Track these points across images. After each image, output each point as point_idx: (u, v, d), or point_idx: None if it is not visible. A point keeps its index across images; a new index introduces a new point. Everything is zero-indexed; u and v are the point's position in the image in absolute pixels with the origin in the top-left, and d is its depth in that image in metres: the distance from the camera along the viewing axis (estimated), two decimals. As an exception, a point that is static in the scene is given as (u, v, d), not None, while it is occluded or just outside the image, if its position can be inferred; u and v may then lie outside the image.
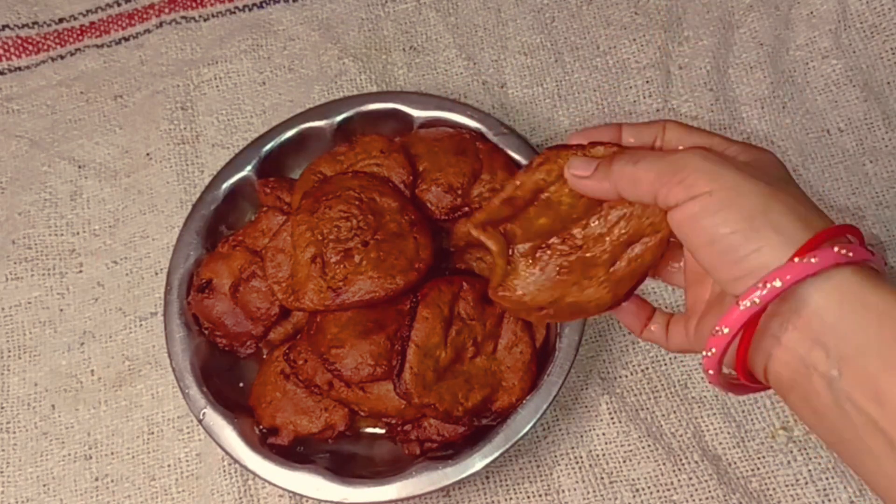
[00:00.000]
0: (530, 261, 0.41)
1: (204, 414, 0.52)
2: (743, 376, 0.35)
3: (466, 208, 0.55)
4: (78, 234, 0.64)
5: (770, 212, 0.32)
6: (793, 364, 0.32)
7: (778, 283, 0.31)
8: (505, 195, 0.41)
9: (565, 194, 0.40)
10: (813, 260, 0.30)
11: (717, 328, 0.33)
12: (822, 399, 0.31)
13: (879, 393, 0.29)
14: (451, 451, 0.51)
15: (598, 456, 0.55)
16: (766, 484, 0.54)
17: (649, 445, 0.55)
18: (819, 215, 0.33)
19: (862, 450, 0.31)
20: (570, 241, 0.40)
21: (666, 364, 0.58)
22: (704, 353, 0.34)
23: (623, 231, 0.39)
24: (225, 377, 0.56)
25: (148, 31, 0.71)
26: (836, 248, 0.31)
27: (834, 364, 0.31)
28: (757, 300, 0.31)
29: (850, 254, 0.31)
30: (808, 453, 0.54)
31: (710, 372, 0.35)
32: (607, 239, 0.39)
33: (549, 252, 0.41)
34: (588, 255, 0.40)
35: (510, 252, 0.42)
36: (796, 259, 0.31)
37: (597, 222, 0.40)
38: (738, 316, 0.32)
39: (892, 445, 0.29)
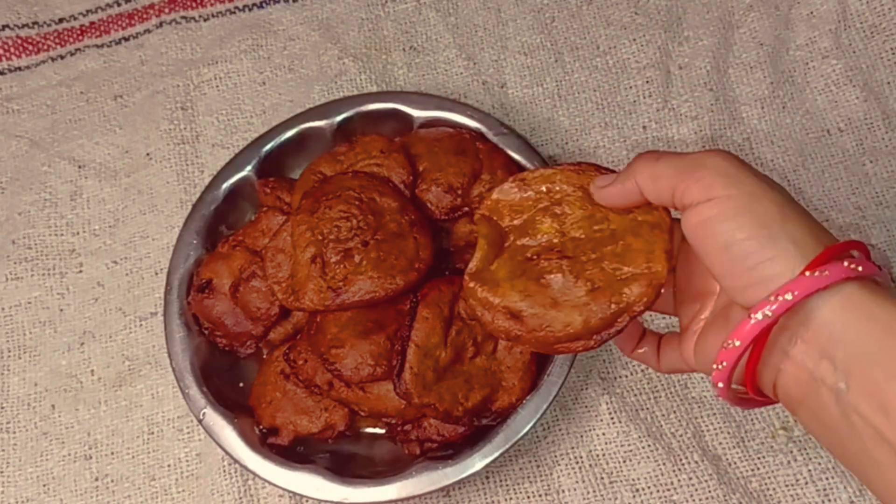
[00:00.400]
0: (520, 259, 0.40)
1: (204, 414, 0.52)
2: (752, 390, 0.35)
3: (466, 208, 0.55)
4: (78, 234, 0.64)
5: (787, 221, 0.32)
6: (802, 378, 0.32)
7: (789, 297, 0.31)
8: (520, 177, 0.41)
9: (577, 208, 0.40)
10: (825, 273, 0.31)
11: (728, 341, 0.33)
12: (830, 412, 0.32)
13: (885, 404, 0.30)
14: (451, 451, 0.51)
15: (598, 456, 0.55)
16: (766, 484, 0.54)
17: (649, 445, 0.55)
18: (825, 230, 0.33)
19: (868, 461, 0.31)
20: (563, 252, 0.39)
21: (666, 364, 0.58)
22: (715, 366, 0.34)
23: (619, 265, 0.38)
24: (225, 377, 0.56)
25: (148, 31, 0.71)
26: (846, 263, 0.31)
27: (841, 377, 0.31)
28: (769, 313, 0.31)
29: (860, 268, 0.31)
30: (808, 453, 0.54)
31: (720, 385, 0.34)
32: (600, 265, 0.38)
33: (539, 256, 0.40)
34: (575, 273, 0.39)
35: (504, 244, 0.41)
36: (807, 273, 0.31)
37: (595, 245, 0.39)
38: (749, 329, 0.32)
39: None
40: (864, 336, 0.31)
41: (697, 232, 0.34)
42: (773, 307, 0.31)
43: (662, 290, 0.37)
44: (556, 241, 0.40)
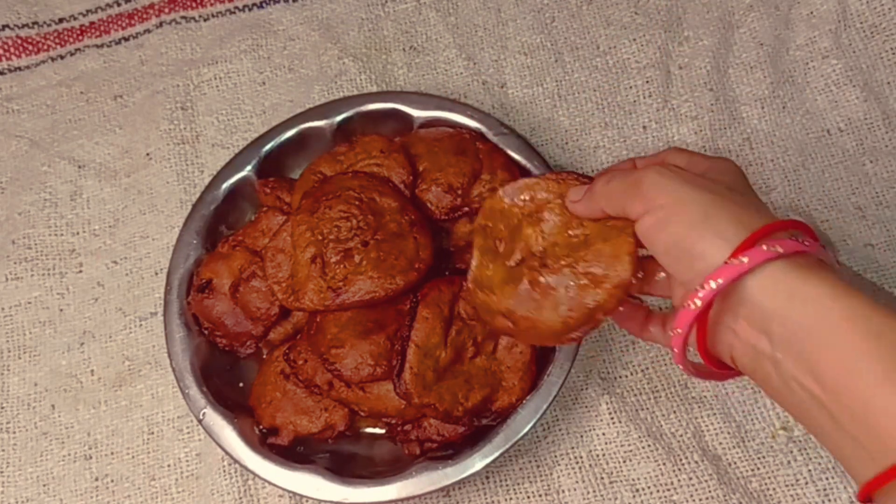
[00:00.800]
0: (510, 265, 0.44)
1: (204, 414, 0.52)
2: (712, 366, 0.39)
3: (466, 208, 0.55)
4: (78, 234, 0.64)
5: (711, 219, 0.36)
6: (748, 352, 0.36)
7: (714, 285, 0.35)
8: (509, 187, 0.46)
9: (556, 215, 0.44)
10: (744, 259, 0.34)
11: (674, 329, 0.37)
12: (773, 381, 0.36)
13: (816, 372, 0.33)
14: (451, 451, 0.51)
15: (598, 456, 0.55)
16: (766, 484, 0.54)
17: (649, 445, 0.55)
18: (760, 216, 0.36)
19: (811, 420, 0.35)
20: (543, 259, 0.44)
21: (666, 364, 0.58)
22: (671, 351, 0.38)
23: (590, 270, 0.42)
24: (225, 377, 0.56)
25: (148, 31, 0.71)
26: (764, 247, 0.34)
27: (777, 349, 0.35)
28: (699, 302, 0.36)
29: (780, 249, 0.34)
30: (808, 453, 0.54)
31: (681, 366, 0.39)
32: (573, 270, 0.42)
33: (523, 263, 0.44)
34: (552, 278, 0.43)
35: (497, 250, 0.45)
36: (730, 260, 0.34)
37: (570, 250, 0.43)
38: (686, 317, 0.36)
39: (833, 418, 0.33)
40: (791, 310, 0.34)
41: (646, 240, 0.39)
42: (703, 293, 0.35)
43: (634, 281, 0.41)
44: (538, 246, 0.44)
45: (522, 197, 0.45)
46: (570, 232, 0.43)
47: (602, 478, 0.55)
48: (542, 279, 0.43)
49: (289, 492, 0.51)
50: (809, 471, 0.54)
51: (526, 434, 0.50)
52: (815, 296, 0.34)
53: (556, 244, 0.43)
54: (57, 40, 0.71)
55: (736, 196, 0.38)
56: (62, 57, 0.71)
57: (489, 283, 0.45)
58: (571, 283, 0.42)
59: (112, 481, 0.57)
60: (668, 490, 0.54)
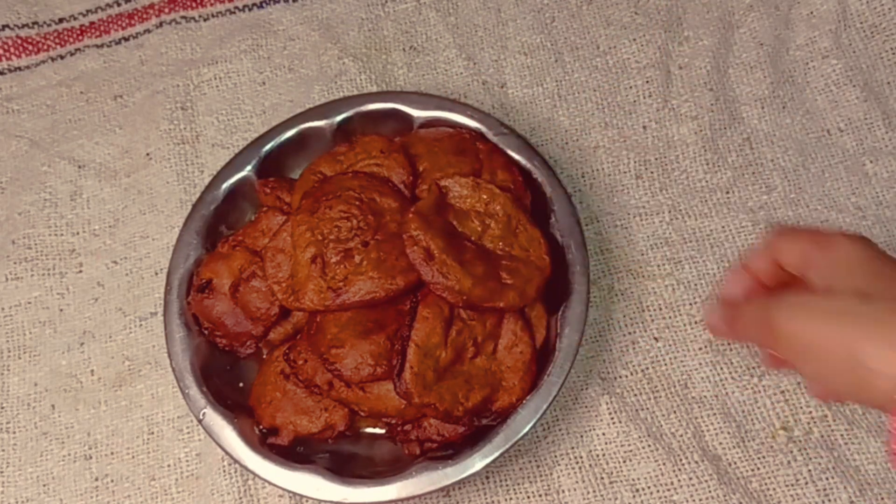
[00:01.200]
0: (448, 229, 0.53)
1: (204, 414, 0.52)
2: None
3: (466, 208, 0.55)
4: (78, 234, 0.64)
5: (858, 358, 0.35)
6: None
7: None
8: (476, 180, 0.54)
9: (498, 227, 0.53)
10: None
11: (889, 447, 0.41)
12: None
13: None
14: (451, 451, 0.51)
15: (598, 456, 0.55)
16: (766, 484, 0.54)
17: (649, 445, 0.55)
18: None
19: None
20: (476, 243, 0.52)
21: (666, 364, 0.58)
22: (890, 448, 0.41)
23: (508, 268, 0.52)
24: (225, 377, 0.56)
25: (148, 31, 0.71)
26: None
27: None
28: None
29: None
30: (808, 453, 0.54)
31: None
32: (498, 261, 0.52)
33: (459, 236, 0.53)
34: (468, 260, 0.51)
35: (443, 208, 0.53)
36: None
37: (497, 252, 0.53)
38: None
39: None
40: None
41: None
42: (893, 428, 0.35)
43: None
44: (474, 237, 0.52)
45: (482, 196, 0.53)
46: (501, 244, 0.52)
47: (602, 478, 0.55)
48: (465, 252, 0.51)
49: (289, 492, 0.51)
50: (809, 471, 0.54)
51: (526, 434, 0.50)
52: None
53: (487, 245, 0.52)
54: (57, 40, 0.71)
55: (873, 306, 0.36)
56: (62, 57, 0.71)
57: (427, 224, 0.50)
58: (483, 265, 0.50)
59: (112, 481, 0.57)
60: (668, 490, 0.54)
